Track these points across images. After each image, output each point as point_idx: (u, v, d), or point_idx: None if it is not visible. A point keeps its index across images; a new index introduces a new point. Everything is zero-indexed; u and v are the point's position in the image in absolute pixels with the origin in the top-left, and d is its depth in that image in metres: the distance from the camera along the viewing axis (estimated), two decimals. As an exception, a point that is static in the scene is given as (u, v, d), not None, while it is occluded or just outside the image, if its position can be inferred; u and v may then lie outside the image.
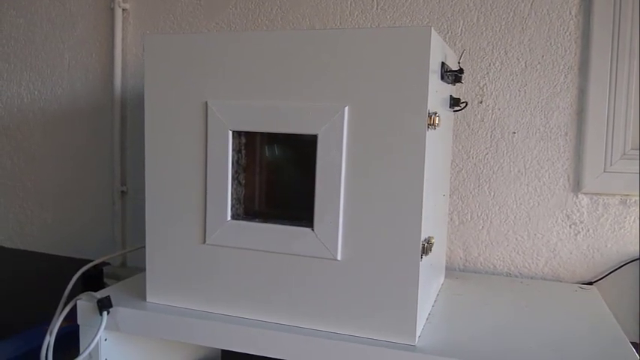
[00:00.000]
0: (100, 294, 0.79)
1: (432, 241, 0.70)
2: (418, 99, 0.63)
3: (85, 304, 0.78)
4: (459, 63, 0.75)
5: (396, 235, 0.65)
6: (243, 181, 0.74)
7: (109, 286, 1.22)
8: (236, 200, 0.74)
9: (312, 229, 0.68)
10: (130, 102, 1.24)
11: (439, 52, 0.69)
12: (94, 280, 1.19)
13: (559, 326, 0.74)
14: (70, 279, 0.93)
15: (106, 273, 1.23)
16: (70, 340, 0.85)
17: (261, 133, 0.72)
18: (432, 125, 0.64)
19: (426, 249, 0.67)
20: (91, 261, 1.12)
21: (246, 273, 0.72)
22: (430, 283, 0.77)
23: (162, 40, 0.74)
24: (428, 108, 0.63)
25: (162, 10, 1.20)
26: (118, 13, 1.22)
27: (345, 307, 0.68)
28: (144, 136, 1.23)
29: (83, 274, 1.06)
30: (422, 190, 0.64)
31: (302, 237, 0.69)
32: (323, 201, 0.67)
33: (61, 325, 0.81)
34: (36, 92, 1.33)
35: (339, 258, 0.68)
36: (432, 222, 0.74)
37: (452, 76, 0.76)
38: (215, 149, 0.72)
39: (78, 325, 0.79)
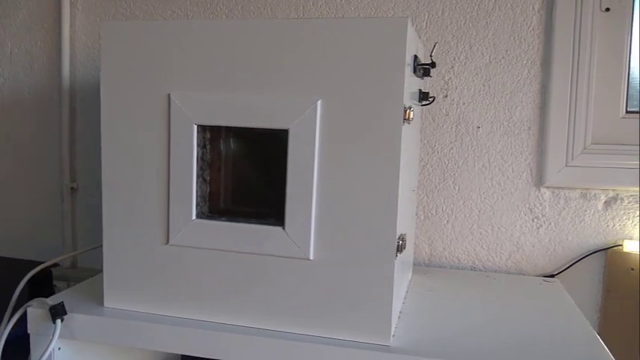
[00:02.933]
0: (53, 300, 0.73)
1: (406, 238, 0.69)
2: (395, 93, 0.61)
3: (35, 311, 0.72)
4: (430, 56, 0.74)
5: (371, 233, 0.63)
6: (209, 178, 0.70)
7: (57, 288, 1.16)
8: (201, 198, 0.70)
9: (283, 228, 0.66)
10: (79, 93, 1.17)
11: (413, 44, 0.68)
12: (42, 283, 1.12)
13: (530, 320, 0.74)
14: (18, 283, 0.87)
15: (55, 275, 1.16)
16: (19, 346, 0.79)
17: (228, 127, 0.69)
18: (407, 120, 0.63)
19: (401, 247, 0.65)
20: (39, 263, 1.05)
21: (213, 275, 0.69)
22: (401, 280, 0.76)
23: (121, 27, 0.69)
24: (404, 102, 0.61)
25: (113, -4, 1.14)
26: (66, -2, 1.14)
27: (318, 308, 0.66)
28: (95, 130, 1.16)
29: (31, 277, 0.99)
30: (397, 187, 0.62)
31: (272, 236, 0.66)
32: (294, 198, 0.65)
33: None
34: (-26, 82, 1.24)
35: (311, 257, 0.65)
36: (405, 218, 0.72)
37: (422, 69, 0.75)
38: (178, 144, 0.68)
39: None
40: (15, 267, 1.17)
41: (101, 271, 1.08)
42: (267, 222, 0.67)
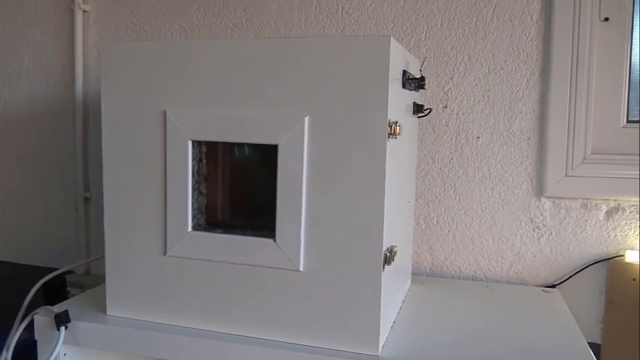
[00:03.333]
0: (58, 308, 0.77)
1: (395, 249, 0.70)
2: (378, 109, 0.62)
3: (42, 319, 0.76)
4: (420, 71, 0.75)
5: (358, 245, 0.65)
6: (205, 191, 0.73)
7: (72, 295, 1.20)
8: (197, 211, 0.72)
9: (274, 240, 0.68)
10: (92, 106, 1.21)
11: (400, 60, 0.69)
12: (56, 290, 1.16)
13: (521, 331, 0.75)
14: (32, 289, 0.90)
15: (70, 281, 1.20)
16: (30, 352, 0.82)
17: (223, 142, 0.71)
18: (392, 135, 0.64)
19: (389, 258, 0.66)
20: (53, 269, 1.10)
21: (208, 285, 0.71)
22: (394, 291, 0.77)
23: (120, 46, 0.72)
24: (388, 117, 0.63)
25: (123, 12, 1.18)
26: (79, 14, 1.18)
27: (308, 318, 0.67)
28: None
29: (45, 283, 1.03)
30: (383, 200, 0.63)
31: (264, 248, 0.68)
32: (284, 211, 0.67)
33: (22, 336, 0.79)
34: (-6, 96, 1.29)
35: (301, 269, 0.67)
36: (396, 230, 0.74)
37: (414, 83, 0.76)
38: (174, 159, 0.71)
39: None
40: (30, 273, 1.22)
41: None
42: (259, 234, 0.69)
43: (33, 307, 0.81)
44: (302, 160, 0.65)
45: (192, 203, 0.71)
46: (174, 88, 0.70)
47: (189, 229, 0.71)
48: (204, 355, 0.70)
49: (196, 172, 0.72)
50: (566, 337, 0.73)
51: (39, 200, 1.28)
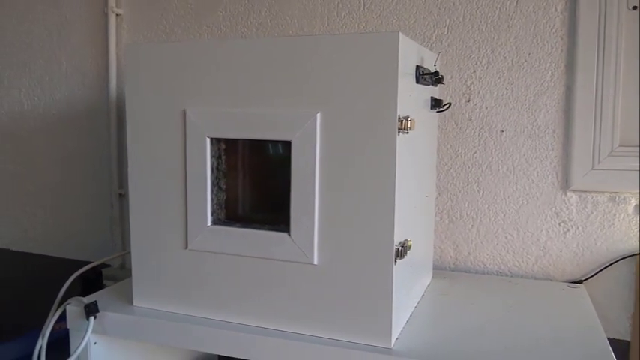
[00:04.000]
0: (88, 299, 0.80)
1: (409, 244, 0.70)
2: (388, 104, 0.63)
3: (74, 308, 0.80)
4: (434, 65, 0.75)
5: (370, 239, 0.66)
6: (224, 187, 0.75)
7: (107, 287, 1.25)
8: (217, 206, 0.75)
9: (289, 234, 0.69)
10: (125, 106, 1.26)
11: (413, 55, 0.69)
12: (93, 282, 1.21)
13: (540, 326, 0.74)
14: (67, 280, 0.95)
15: (106, 274, 1.26)
16: (66, 342, 0.87)
17: (241, 140, 0.73)
18: (403, 130, 0.65)
19: (401, 252, 0.67)
20: (88, 263, 1.15)
21: (226, 277, 0.74)
22: (410, 284, 0.77)
23: (142, 49, 0.75)
24: (398, 113, 0.63)
25: (154, 14, 1.22)
26: (112, 18, 1.23)
27: (322, 310, 0.69)
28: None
29: (82, 276, 1.08)
30: (394, 195, 0.64)
31: (279, 241, 0.70)
32: (298, 206, 0.68)
33: (59, 326, 0.83)
34: (35, 98, 1.36)
35: (315, 262, 0.69)
36: (411, 224, 0.74)
37: (429, 78, 0.76)
38: (194, 156, 0.73)
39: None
40: (68, 266, 1.27)
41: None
42: (275, 228, 0.71)
43: (69, 298, 0.86)
44: (314, 156, 0.67)
45: (212, 198, 0.74)
46: (194, 88, 0.72)
47: (209, 223, 0.74)
48: (222, 345, 0.72)
49: (215, 169, 0.74)
50: (587, 333, 0.72)
51: (77, 197, 1.34)
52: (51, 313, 0.86)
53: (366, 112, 0.64)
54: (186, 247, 0.75)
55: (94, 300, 0.79)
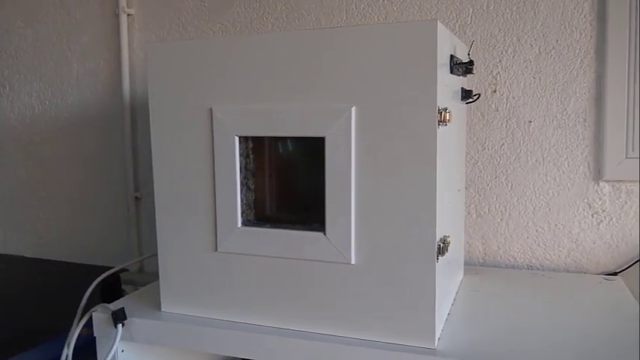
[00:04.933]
0: (114, 305, 0.78)
1: (448, 240, 0.68)
2: (427, 96, 0.60)
3: (100, 316, 0.77)
4: (468, 54, 0.73)
5: (411, 236, 0.63)
6: (253, 187, 0.72)
7: (126, 292, 1.23)
8: (246, 206, 0.72)
9: (324, 234, 0.67)
10: (139, 107, 1.24)
11: (447, 44, 0.67)
12: (111, 287, 1.19)
13: (582, 322, 0.72)
14: (88, 287, 0.93)
15: (124, 279, 1.23)
16: (90, 348, 0.85)
17: (270, 137, 0.71)
18: (442, 122, 0.62)
19: (442, 249, 0.65)
20: (108, 268, 1.12)
21: (259, 280, 0.71)
22: (448, 282, 0.75)
23: (165, 47, 0.73)
24: (438, 104, 0.61)
25: (166, 13, 1.19)
26: (123, 18, 1.21)
27: (361, 312, 0.66)
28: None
29: (101, 281, 1.06)
30: (435, 190, 0.61)
31: (314, 242, 0.67)
32: (334, 204, 0.66)
33: (81, 333, 0.81)
34: (47, 102, 1.34)
35: (352, 262, 0.66)
36: (448, 220, 0.72)
37: (462, 68, 0.73)
38: (222, 155, 0.71)
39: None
40: (85, 272, 1.25)
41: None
42: (308, 228, 0.68)
43: (90, 305, 0.84)
44: (350, 152, 0.64)
45: (241, 199, 0.71)
46: (219, 85, 0.70)
47: (239, 224, 0.71)
48: (258, 350, 0.70)
49: (244, 168, 0.72)
50: (634, 327, 0.70)
51: (91, 201, 1.32)
52: (75, 321, 0.84)
53: (403, 104, 0.62)
54: (215, 249, 0.73)
55: (121, 307, 0.76)
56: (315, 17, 1.08)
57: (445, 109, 0.63)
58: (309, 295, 0.69)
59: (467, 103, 0.86)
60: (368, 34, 0.62)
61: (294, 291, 0.70)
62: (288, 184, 0.75)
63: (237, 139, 0.70)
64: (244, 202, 0.72)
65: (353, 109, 0.64)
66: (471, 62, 0.71)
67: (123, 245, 1.28)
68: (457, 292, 0.83)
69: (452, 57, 0.69)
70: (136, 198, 1.25)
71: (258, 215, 0.73)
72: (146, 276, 1.24)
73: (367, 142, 0.64)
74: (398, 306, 0.65)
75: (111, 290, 1.16)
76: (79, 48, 1.28)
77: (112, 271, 0.96)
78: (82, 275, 1.25)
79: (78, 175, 1.33)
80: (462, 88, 0.80)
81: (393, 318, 0.65)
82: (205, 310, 0.75)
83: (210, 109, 0.71)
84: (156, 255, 0.96)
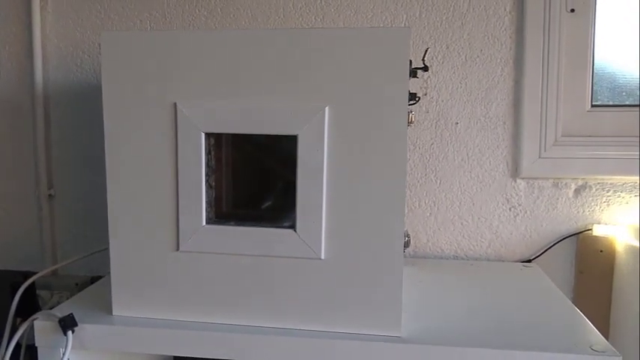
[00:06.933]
0: (60, 312, 0.73)
1: (408, 233, 0.72)
2: (399, 98, 0.64)
3: (43, 323, 0.72)
4: (423, 60, 0.78)
5: (380, 231, 0.67)
6: (217, 184, 0.72)
7: (41, 297, 1.14)
8: (210, 204, 0.71)
9: (295, 230, 0.68)
10: (53, 98, 1.15)
11: (409, 50, 0.71)
12: (25, 292, 1.09)
13: (520, 302, 0.80)
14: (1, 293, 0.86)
15: (37, 283, 1.14)
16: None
17: (236, 134, 0.70)
18: (410, 123, 0.66)
19: (407, 243, 0.69)
20: (20, 272, 1.05)
21: (225, 278, 0.71)
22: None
23: (122, 37, 0.69)
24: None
25: (86, -2, 1.12)
26: (35, 1, 1.11)
27: (331, 305, 0.69)
28: (72, 135, 1.15)
29: (12, 285, 0.97)
30: (404, 187, 0.65)
31: (284, 238, 0.68)
32: (305, 201, 0.67)
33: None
34: (-63, 89, 1.19)
35: (322, 257, 0.68)
36: (403, 215, 0.76)
37: (412, 72, 0.78)
38: (187, 153, 0.69)
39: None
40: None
41: (86, 277, 1.08)
42: (278, 225, 0.69)
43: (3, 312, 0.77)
44: (323, 150, 0.66)
45: (206, 196, 0.70)
46: (185, 80, 0.68)
47: (204, 222, 0.70)
48: (223, 349, 0.69)
49: (206, 165, 0.70)
50: (557, 304, 0.79)
51: (-4, 200, 1.20)
52: (6, 332, 0.77)
53: (376, 106, 0.65)
54: (177, 248, 0.71)
55: (69, 313, 0.72)
56: (251, 14, 1.07)
57: (411, 111, 0.67)
58: (278, 291, 0.70)
59: (410, 104, 0.91)
60: (344, 38, 0.64)
61: (263, 288, 0.70)
62: (253, 180, 0.75)
63: (203, 135, 0.69)
64: (207, 200, 0.71)
65: (327, 109, 0.66)
66: (426, 68, 0.76)
67: (35, 246, 1.18)
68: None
69: (410, 62, 0.73)
70: (50, 196, 1.16)
71: (223, 213, 0.73)
72: (62, 279, 1.16)
73: (340, 141, 0.66)
74: (366, 298, 0.68)
75: (25, 296, 1.07)
76: (-21, 30, 1.16)
77: (41, 273, 0.89)
78: (-12, 281, 1.13)
79: (-23, 171, 1.20)
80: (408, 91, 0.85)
81: (362, 310, 0.68)
82: (164, 312, 0.73)
83: (175, 104, 0.69)
84: (93, 254, 0.91)
